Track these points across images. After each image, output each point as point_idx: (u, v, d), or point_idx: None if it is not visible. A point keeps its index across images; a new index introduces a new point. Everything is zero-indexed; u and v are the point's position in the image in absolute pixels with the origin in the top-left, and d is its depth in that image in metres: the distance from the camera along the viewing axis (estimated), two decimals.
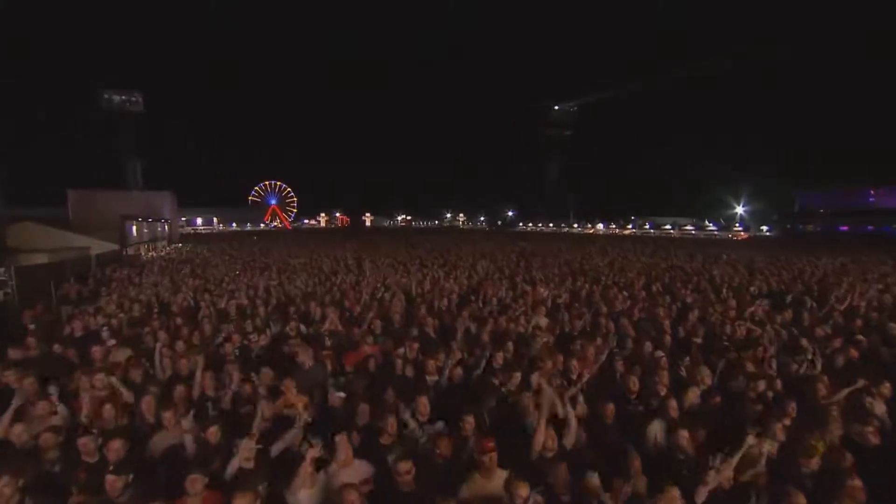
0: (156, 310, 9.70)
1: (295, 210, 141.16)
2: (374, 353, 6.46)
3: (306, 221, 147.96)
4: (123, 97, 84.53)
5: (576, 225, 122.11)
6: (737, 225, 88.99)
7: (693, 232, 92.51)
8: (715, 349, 6.90)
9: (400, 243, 35.06)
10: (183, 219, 67.64)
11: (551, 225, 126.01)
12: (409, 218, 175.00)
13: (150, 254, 27.97)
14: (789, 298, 10.70)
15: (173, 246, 36.28)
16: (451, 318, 8.72)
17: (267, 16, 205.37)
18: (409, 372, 5.97)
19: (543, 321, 8.14)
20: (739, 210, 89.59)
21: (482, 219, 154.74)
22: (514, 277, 13.85)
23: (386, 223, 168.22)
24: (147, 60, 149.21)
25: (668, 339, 7.40)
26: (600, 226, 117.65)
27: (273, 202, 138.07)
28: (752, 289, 12.29)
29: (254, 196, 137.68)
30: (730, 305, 9.99)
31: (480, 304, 10.01)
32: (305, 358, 6.08)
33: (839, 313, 9.15)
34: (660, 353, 6.63)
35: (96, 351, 6.40)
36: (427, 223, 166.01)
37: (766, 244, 46.98)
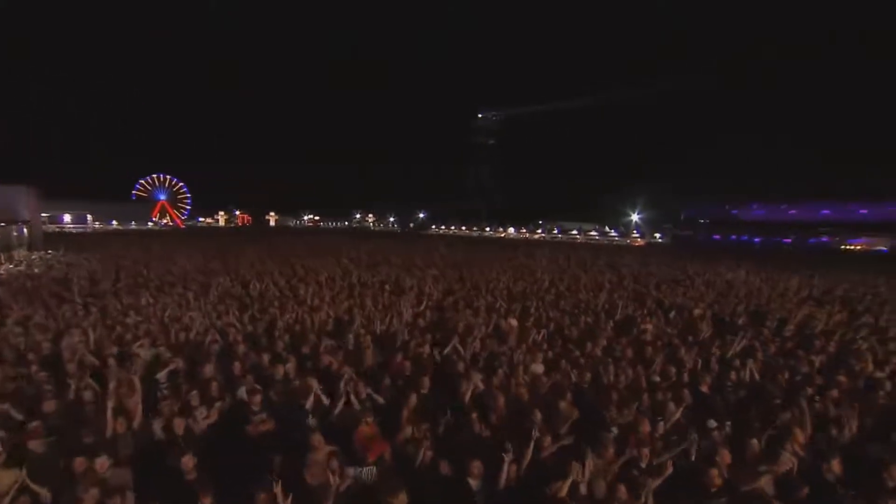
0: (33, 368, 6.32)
1: (188, 207, 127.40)
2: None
3: (202, 220, 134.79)
4: None
5: (488, 228, 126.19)
6: (634, 232, 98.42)
7: (597, 237, 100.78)
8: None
9: (318, 249, 32.79)
10: (45, 215, 56.37)
11: (463, 228, 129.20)
12: (316, 218, 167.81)
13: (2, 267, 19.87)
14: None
15: (37, 255, 26.56)
16: (437, 365, 7.14)
17: None
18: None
19: (540, 368, 7.07)
20: (635, 218, 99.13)
21: (392, 219, 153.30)
22: (472, 303, 12.00)
23: (291, 223, 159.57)
24: None
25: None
26: (511, 230, 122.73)
27: (162, 198, 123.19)
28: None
29: (138, 190, 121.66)
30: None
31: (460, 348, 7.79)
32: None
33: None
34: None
35: None
36: (336, 223, 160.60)
37: (659, 250, 52.51)
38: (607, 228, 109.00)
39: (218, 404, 5.50)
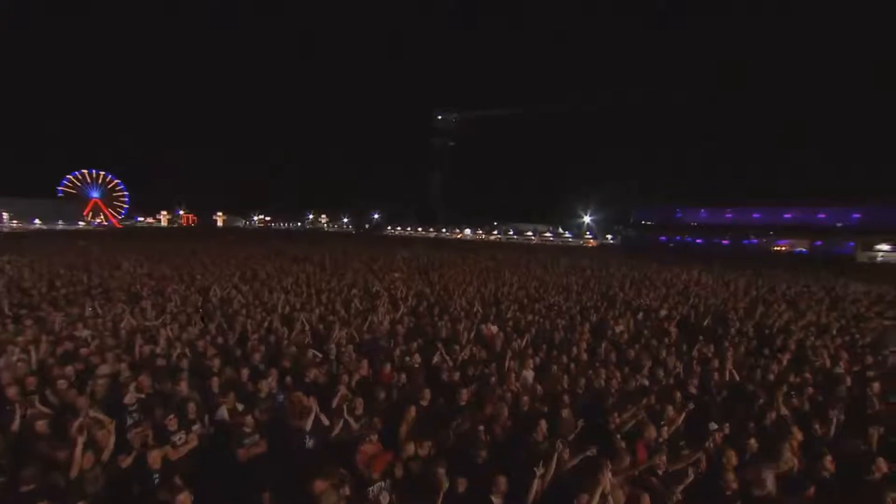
0: None
1: (125, 206, 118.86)
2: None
3: (140, 220, 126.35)
4: None
5: (444, 230, 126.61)
6: (587, 233, 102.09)
7: (552, 239, 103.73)
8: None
9: (275, 251, 31.44)
10: None
11: (420, 229, 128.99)
12: (267, 218, 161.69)
13: None
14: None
15: None
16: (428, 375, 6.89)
17: None
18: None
19: (531, 376, 7.00)
20: (587, 220, 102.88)
21: (345, 220, 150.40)
22: (447, 308, 11.70)
23: (241, 223, 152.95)
24: None
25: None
26: (468, 231, 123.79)
27: (95, 195, 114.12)
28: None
29: (66, 186, 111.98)
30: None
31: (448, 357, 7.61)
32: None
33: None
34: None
35: None
36: (288, 224, 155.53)
37: (611, 251, 54.69)
38: (561, 230, 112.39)
39: (197, 427, 5.02)
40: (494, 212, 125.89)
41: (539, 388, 6.25)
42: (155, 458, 4.21)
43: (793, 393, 6.34)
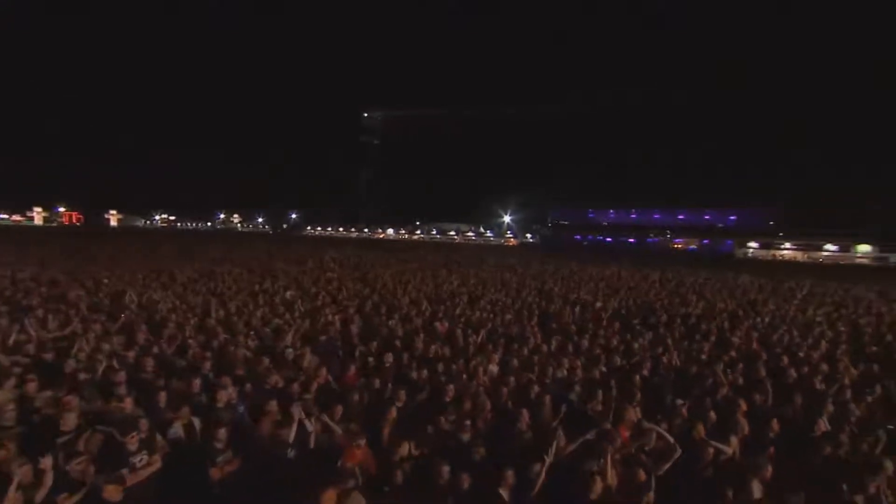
0: None
1: None
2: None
3: (4, 216, 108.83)
4: None
5: (366, 229, 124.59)
6: (507, 232, 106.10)
7: (474, 238, 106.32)
8: None
9: (189, 253, 28.71)
10: None
11: (341, 229, 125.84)
12: (171, 218, 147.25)
13: None
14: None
15: None
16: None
17: None
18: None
19: (496, 370, 7.04)
20: (507, 219, 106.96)
21: (260, 219, 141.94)
22: (394, 307, 11.54)
23: (140, 223, 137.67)
24: None
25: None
26: (390, 231, 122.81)
27: None
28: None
29: None
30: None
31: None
32: None
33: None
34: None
35: None
36: (196, 224, 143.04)
37: (532, 249, 57.51)
38: (482, 229, 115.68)
39: (161, 445, 4.38)
40: (416, 211, 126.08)
41: (512, 379, 6.33)
42: (111, 492, 3.55)
43: (728, 370, 7.11)
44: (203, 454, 4.26)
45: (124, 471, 3.83)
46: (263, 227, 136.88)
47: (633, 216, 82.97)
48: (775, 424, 5.04)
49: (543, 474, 3.81)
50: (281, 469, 4.12)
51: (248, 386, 5.71)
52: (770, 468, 3.96)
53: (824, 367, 7.51)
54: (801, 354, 8.29)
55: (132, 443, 4.04)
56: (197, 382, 5.56)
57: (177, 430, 4.77)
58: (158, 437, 4.59)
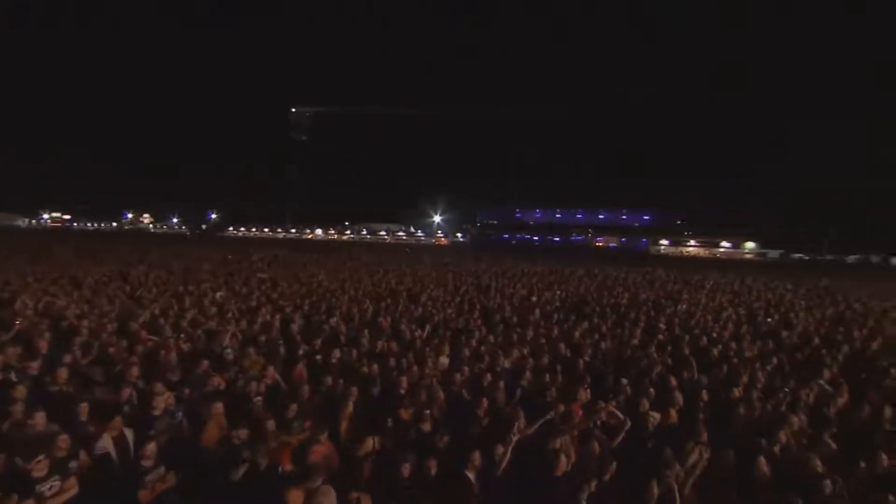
0: None
1: None
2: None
3: None
4: None
5: (293, 230, 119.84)
6: (438, 232, 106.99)
7: (405, 238, 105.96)
8: None
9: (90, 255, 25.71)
10: None
11: (266, 230, 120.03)
12: (65, 217, 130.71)
13: None
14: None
15: None
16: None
17: None
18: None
19: (446, 362, 7.13)
20: (437, 219, 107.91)
21: (175, 220, 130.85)
22: (336, 305, 11.38)
23: (20, 222, 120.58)
24: None
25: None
26: (319, 231, 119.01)
27: None
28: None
29: None
30: None
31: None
32: None
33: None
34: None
35: None
36: (98, 224, 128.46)
37: (462, 248, 58.66)
38: (413, 229, 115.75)
39: (74, 466, 3.86)
40: (345, 211, 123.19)
41: (467, 369, 6.42)
42: None
43: (658, 352, 7.78)
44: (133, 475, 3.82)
45: (29, 502, 3.33)
46: (180, 227, 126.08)
47: (558, 216, 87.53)
48: (704, 395, 5.63)
49: (509, 454, 3.91)
50: (227, 482, 3.80)
51: (187, 391, 5.25)
52: (704, 431, 4.40)
53: (733, 344, 8.55)
54: (715, 335, 9.34)
55: (38, 469, 3.52)
56: (127, 391, 5.02)
57: (104, 444, 4.26)
58: (82, 455, 4.10)
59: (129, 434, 4.39)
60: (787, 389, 6.14)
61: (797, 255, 71.30)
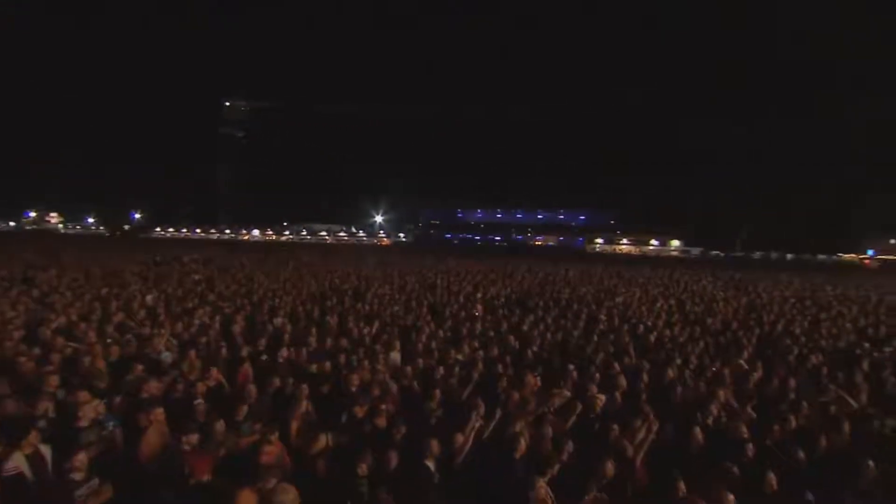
0: None
1: None
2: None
3: None
4: None
5: (227, 230, 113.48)
6: (380, 232, 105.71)
7: (346, 238, 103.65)
8: None
9: None
10: None
11: (198, 230, 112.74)
12: None
13: None
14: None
15: None
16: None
17: None
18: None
19: (398, 357, 7.16)
20: (379, 219, 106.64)
21: (90, 220, 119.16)
22: (278, 306, 10.87)
23: None
24: None
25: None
26: (255, 232, 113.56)
27: None
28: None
29: None
30: None
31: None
32: None
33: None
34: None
35: None
36: None
37: (405, 248, 58.59)
38: (354, 229, 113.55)
39: None
40: (284, 211, 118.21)
41: (421, 361, 6.43)
42: None
43: (600, 340, 8.25)
44: (58, 491, 3.44)
45: None
46: (97, 228, 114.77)
47: (499, 216, 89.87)
48: (645, 377, 6.04)
49: (470, 441, 3.95)
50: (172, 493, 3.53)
51: (118, 398, 4.80)
52: (650, 410, 4.71)
53: (667, 331, 9.27)
54: (650, 323, 10.08)
55: None
56: (43, 404, 4.49)
57: (16, 461, 3.79)
58: None
59: (45, 450, 3.95)
60: (713, 368, 6.84)
61: (714, 252, 78.95)
